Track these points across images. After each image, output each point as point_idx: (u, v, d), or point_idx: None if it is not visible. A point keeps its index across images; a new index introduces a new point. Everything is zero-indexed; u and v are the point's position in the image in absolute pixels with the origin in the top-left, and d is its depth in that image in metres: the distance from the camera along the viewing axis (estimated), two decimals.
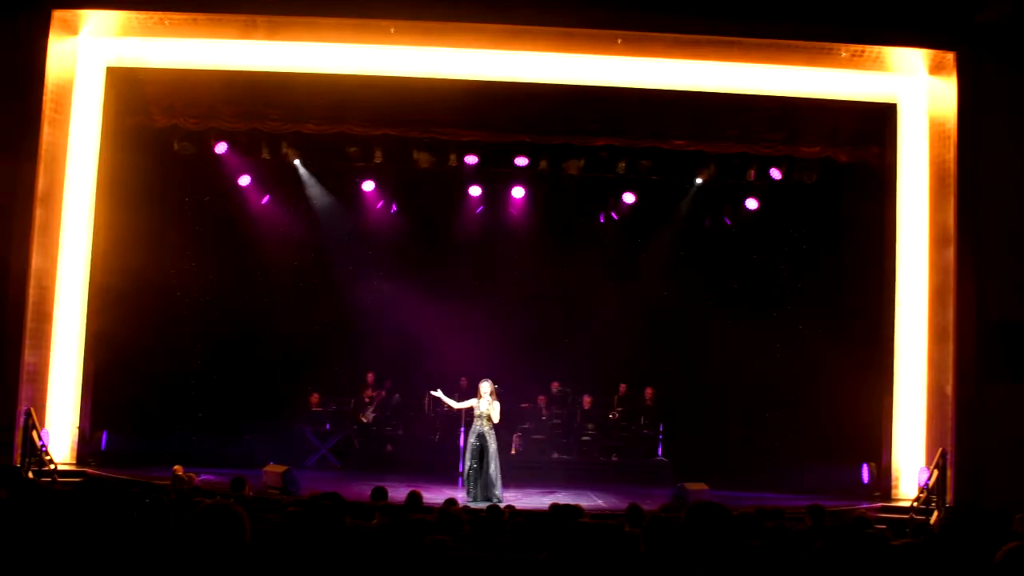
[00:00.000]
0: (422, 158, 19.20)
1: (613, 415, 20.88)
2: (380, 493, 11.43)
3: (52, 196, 16.19)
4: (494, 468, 15.56)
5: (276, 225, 21.49)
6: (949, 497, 15.15)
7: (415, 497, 11.26)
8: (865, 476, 17.29)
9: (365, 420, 20.64)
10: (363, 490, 13.96)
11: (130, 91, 17.62)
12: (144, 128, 17.99)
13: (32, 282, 15.69)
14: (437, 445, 20.33)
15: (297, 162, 20.14)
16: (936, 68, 16.42)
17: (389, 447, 20.72)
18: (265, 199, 21.11)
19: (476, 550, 7.23)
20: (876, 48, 16.24)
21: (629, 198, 20.79)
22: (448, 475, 17.91)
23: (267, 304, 21.35)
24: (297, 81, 17.15)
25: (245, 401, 19.98)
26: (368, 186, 20.93)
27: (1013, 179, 15.83)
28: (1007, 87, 15.99)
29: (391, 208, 21.83)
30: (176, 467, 13.73)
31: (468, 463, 15.70)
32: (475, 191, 21.18)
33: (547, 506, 11.65)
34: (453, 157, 19.17)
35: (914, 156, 16.91)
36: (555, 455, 20.36)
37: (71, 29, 16.41)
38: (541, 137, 18.31)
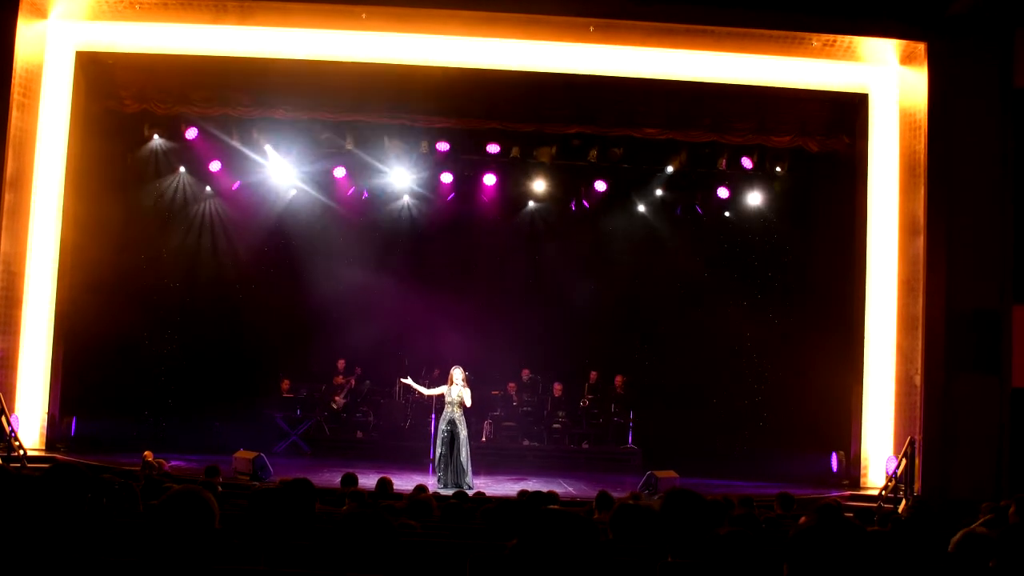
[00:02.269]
0: (393, 145, 19.17)
1: (584, 402, 20.94)
2: (350, 480, 11.43)
3: (21, 181, 16.10)
4: (464, 455, 15.57)
5: (246, 211, 21.44)
6: (917, 486, 15.25)
7: (385, 483, 11.26)
8: (834, 465, 17.38)
9: (335, 407, 20.62)
10: (333, 477, 13.97)
11: (100, 76, 17.50)
12: (114, 113, 17.90)
13: (1, 267, 15.61)
14: (408, 432, 20.34)
15: (268, 148, 20.02)
16: (907, 59, 16.49)
17: (359, 433, 20.72)
18: (235, 185, 21.03)
19: (446, 536, 7.24)
20: (848, 38, 16.28)
21: (601, 186, 20.79)
22: (418, 462, 17.92)
23: (238, 290, 21.34)
24: (268, 67, 17.07)
25: (215, 387, 19.94)
26: (339, 172, 20.84)
27: (983, 170, 15.92)
28: (978, 78, 16.06)
29: (362, 194, 21.78)
30: (146, 452, 13.70)
31: (439, 450, 15.70)
32: (447, 178, 21.12)
33: (516, 493, 11.69)
34: (425, 144, 19.16)
35: (884, 146, 16.98)
36: (526, 442, 20.41)
37: (40, 12, 16.29)
38: (513, 124, 18.26)
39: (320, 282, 21.20)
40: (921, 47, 16.17)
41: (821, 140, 17.97)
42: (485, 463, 17.53)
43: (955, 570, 5.16)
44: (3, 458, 15.06)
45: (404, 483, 13.64)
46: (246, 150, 19.81)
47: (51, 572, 4.10)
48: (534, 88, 17.42)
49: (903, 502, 14.80)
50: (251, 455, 15.08)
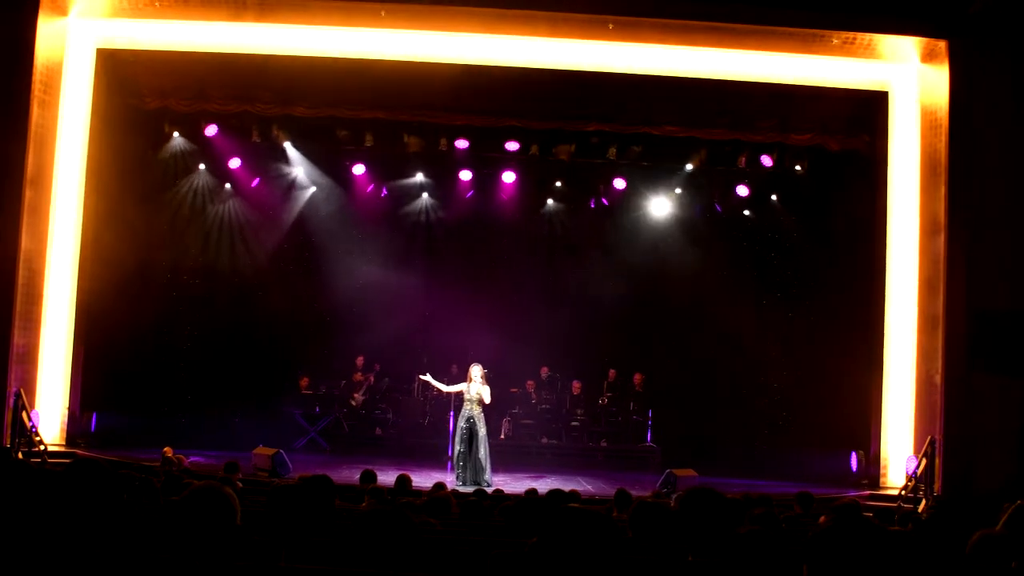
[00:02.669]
0: (413, 142, 19.19)
1: (602, 400, 20.92)
2: (369, 476, 11.43)
3: (42, 178, 16.14)
4: (483, 452, 15.56)
5: (265, 208, 21.49)
6: (937, 486, 15.17)
7: (404, 481, 11.26)
8: (854, 464, 17.33)
9: (354, 403, 20.64)
10: (352, 473, 14.00)
11: (120, 73, 17.57)
12: (134, 110, 17.97)
13: (22, 264, 15.63)
14: (426, 429, 20.34)
15: (287, 145, 20.07)
16: (928, 56, 16.41)
17: (378, 430, 20.73)
18: (255, 182, 21.08)
19: (466, 534, 7.24)
20: (868, 35, 16.22)
21: (620, 183, 20.75)
22: (437, 459, 17.93)
23: (257, 287, 21.36)
24: (287, 64, 17.08)
25: (234, 383, 19.98)
26: (359, 169, 20.87)
27: (1004, 168, 15.82)
28: (999, 76, 15.96)
29: (381, 192, 21.81)
30: (166, 448, 13.73)
31: (457, 447, 15.70)
32: (466, 175, 21.11)
33: (536, 491, 11.66)
34: (444, 141, 19.15)
35: (905, 144, 16.91)
36: (544, 440, 20.39)
37: (60, 10, 16.33)
38: (532, 122, 18.28)
39: (339, 279, 21.28)
40: (942, 45, 16.09)
41: (841, 138, 17.93)
42: (503, 460, 17.54)
43: (973, 572, 5.13)
44: (24, 453, 15.15)
45: (423, 480, 13.64)
46: (265, 147, 19.88)
47: (74, 567, 4.11)
48: (553, 85, 17.38)
49: (923, 502, 14.76)
50: (270, 452, 15.11)
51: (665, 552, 5.20)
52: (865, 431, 17.25)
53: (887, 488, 16.40)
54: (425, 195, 22.13)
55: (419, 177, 21.62)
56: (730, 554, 4.36)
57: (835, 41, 16.31)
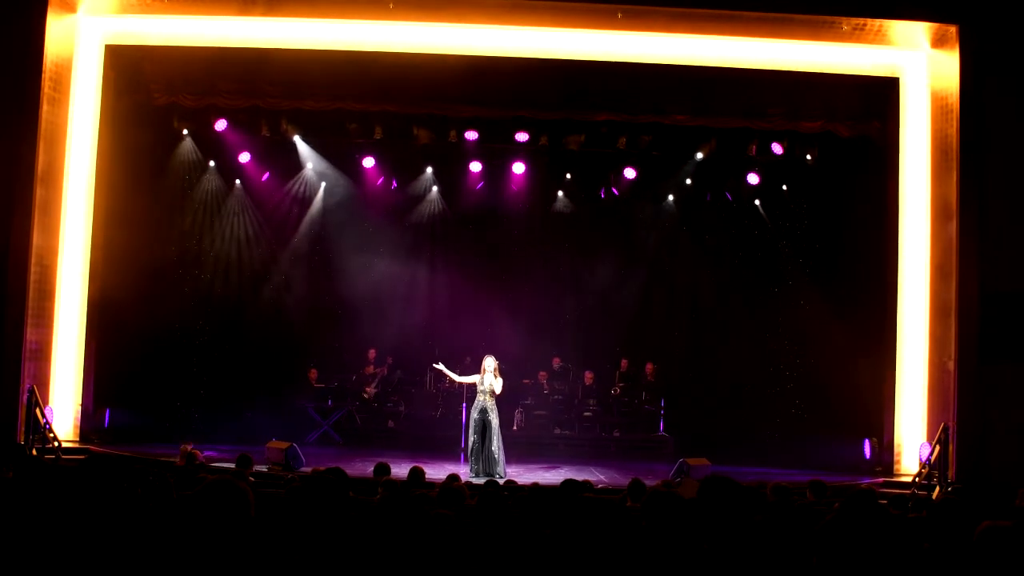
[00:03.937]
0: (422, 134, 19.14)
1: (615, 391, 20.89)
2: (383, 469, 11.44)
3: (52, 175, 16.18)
4: (496, 444, 15.53)
5: (276, 202, 21.50)
6: (951, 472, 15.15)
7: (417, 473, 11.26)
8: (867, 451, 17.31)
9: (367, 396, 20.64)
10: (365, 466, 14.01)
11: (129, 69, 17.60)
12: (144, 106, 17.96)
13: (33, 260, 15.69)
14: (439, 421, 20.32)
15: (297, 138, 20.06)
16: (939, 41, 16.36)
17: (391, 423, 20.71)
18: (265, 176, 21.10)
19: (480, 525, 7.23)
20: (878, 21, 16.17)
21: (630, 173, 20.67)
22: (450, 451, 17.87)
23: (268, 281, 21.40)
24: (296, 57, 17.07)
25: (247, 378, 19.97)
26: (368, 162, 20.86)
27: (1016, 153, 15.77)
28: (1010, 61, 15.91)
29: (391, 184, 21.80)
30: (185, 444, 13.72)
31: (471, 439, 15.68)
32: (475, 167, 21.10)
33: (549, 482, 11.67)
34: (453, 133, 19.08)
35: (916, 130, 16.88)
36: (557, 431, 20.35)
37: (69, 7, 16.37)
38: (541, 112, 18.24)
39: (350, 272, 21.28)
40: (952, 29, 16.04)
41: (852, 125, 17.84)
42: (516, 452, 17.52)
43: (981, 561, 5.10)
44: (38, 450, 15.19)
45: (436, 472, 13.65)
46: (275, 142, 19.87)
47: (89, 562, 4.12)
48: (562, 76, 17.37)
49: (937, 489, 14.74)
50: (283, 445, 15.14)
51: (680, 541, 5.20)
52: (878, 419, 17.24)
53: (901, 475, 16.40)
54: (435, 187, 22.11)
55: (429, 169, 21.61)
56: (747, 542, 4.35)
57: (845, 27, 16.26)
